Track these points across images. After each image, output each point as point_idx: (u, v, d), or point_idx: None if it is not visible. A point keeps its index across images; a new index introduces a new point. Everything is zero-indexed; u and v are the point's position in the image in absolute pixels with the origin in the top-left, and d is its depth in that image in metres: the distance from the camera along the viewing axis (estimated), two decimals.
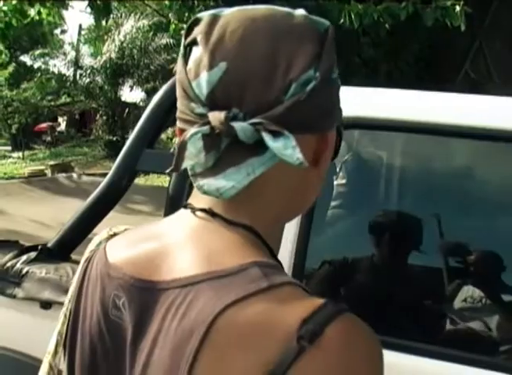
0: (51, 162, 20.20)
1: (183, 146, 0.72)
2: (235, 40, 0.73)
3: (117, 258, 0.81)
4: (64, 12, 8.91)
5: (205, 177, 0.73)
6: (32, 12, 7.90)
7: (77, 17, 38.62)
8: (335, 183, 2.71)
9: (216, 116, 0.71)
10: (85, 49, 29.29)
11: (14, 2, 7.32)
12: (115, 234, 0.88)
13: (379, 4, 5.55)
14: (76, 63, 23.89)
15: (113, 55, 21.77)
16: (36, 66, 28.70)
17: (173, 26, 7.26)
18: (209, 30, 0.75)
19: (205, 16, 0.77)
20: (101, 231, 0.92)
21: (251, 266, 0.70)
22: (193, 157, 0.72)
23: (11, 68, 24.92)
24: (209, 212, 0.76)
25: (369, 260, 2.07)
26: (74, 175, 17.19)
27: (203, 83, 0.73)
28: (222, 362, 0.67)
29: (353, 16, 5.22)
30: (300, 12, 0.77)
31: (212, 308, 0.68)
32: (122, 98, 24.10)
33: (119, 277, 0.78)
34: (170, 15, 7.99)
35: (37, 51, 25.81)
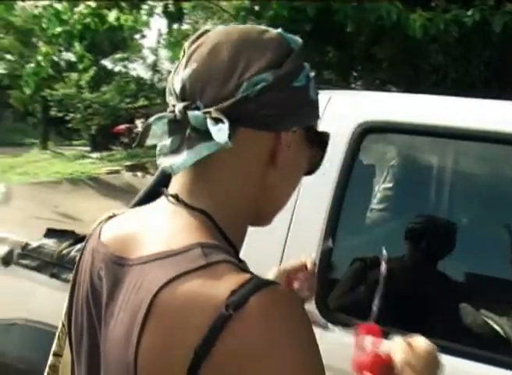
0: (127, 163, 20.81)
1: (147, 127, 0.88)
2: (209, 47, 0.88)
3: (106, 236, 0.95)
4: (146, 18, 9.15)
5: (166, 156, 0.86)
6: (111, 17, 8.18)
7: (157, 22, 39.56)
8: (382, 186, 2.76)
9: (179, 106, 0.86)
10: (164, 53, 30.05)
11: (93, 6, 7.61)
12: (114, 216, 1.01)
13: (447, 11, 5.52)
14: (155, 67, 24.53)
15: None
16: (116, 69, 29.70)
17: None
18: (195, 40, 0.91)
19: (200, 31, 0.92)
20: None
21: (195, 247, 0.82)
22: (157, 137, 0.87)
23: (92, 71, 25.80)
24: (175, 198, 0.89)
25: (400, 262, 2.11)
26: (148, 176, 17.64)
27: (178, 80, 0.88)
28: (163, 330, 0.78)
29: (416, 28, 5.21)
30: (277, 30, 0.90)
31: (157, 282, 0.79)
32: None
33: (104, 253, 0.92)
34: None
35: (117, 56, 26.69)
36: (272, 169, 0.90)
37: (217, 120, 0.82)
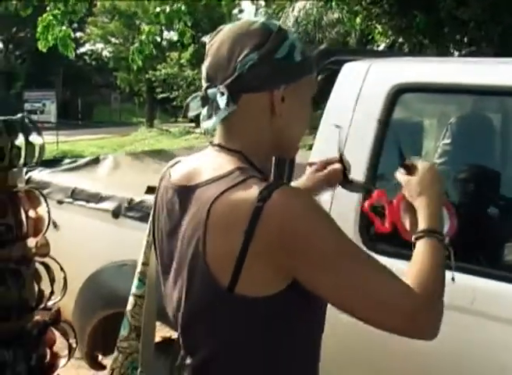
0: None
1: (187, 104, 1.33)
2: (216, 43, 1.29)
3: (174, 175, 1.37)
4: None
5: (203, 122, 1.30)
6: None
7: None
8: (441, 142, 3.02)
9: (204, 87, 1.30)
10: None
11: None
12: (178, 162, 1.44)
13: None
14: None
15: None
16: None
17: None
18: (211, 39, 1.32)
19: (216, 29, 1.34)
20: None
21: (234, 171, 1.23)
22: (195, 110, 1.31)
23: (191, 49, 26.59)
24: (217, 145, 1.32)
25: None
26: None
27: (203, 69, 1.32)
28: (219, 227, 1.19)
29: None
30: (261, 20, 1.30)
31: (211, 197, 1.20)
32: None
33: (173, 186, 1.34)
34: None
35: None
36: (275, 118, 1.28)
37: (222, 93, 1.24)
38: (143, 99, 38.70)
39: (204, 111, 1.30)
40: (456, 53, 8.80)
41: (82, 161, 3.75)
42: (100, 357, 3.09)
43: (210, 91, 1.27)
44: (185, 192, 1.29)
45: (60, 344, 2.10)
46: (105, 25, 33.24)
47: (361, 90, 2.10)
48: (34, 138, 2.02)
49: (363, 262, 1.19)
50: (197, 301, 1.25)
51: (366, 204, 1.53)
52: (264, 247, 1.15)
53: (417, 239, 1.31)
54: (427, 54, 8.23)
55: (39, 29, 6.84)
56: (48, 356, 2.03)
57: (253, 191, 1.15)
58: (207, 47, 1.32)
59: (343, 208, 2.02)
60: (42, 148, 2.06)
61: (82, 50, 45.68)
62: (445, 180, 1.42)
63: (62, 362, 2.06)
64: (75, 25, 42.99)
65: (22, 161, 1.99)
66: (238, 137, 1.29)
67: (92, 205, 2.90)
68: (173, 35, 31.69)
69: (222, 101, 1.24)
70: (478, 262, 2.05)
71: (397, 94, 2.05)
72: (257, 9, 33.64)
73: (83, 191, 2.98)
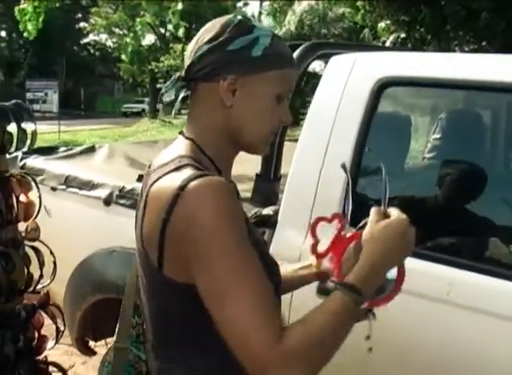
0: None
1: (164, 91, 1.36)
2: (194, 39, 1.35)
3: (152, 164, 1.41)
4: None
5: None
6: None
7: None
8: (431, 137, 3.06)
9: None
10: (266, 21, 30.29)
11: None
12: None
13: None
14: None
15: (292, 27, 22.35)
16: None
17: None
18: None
19: None
20: None
21: (176, 158, 1.27)
22: (170, 96, 1.35)
23: None
24: (180, 133, 1.37)
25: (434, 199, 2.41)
26: None
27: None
28: (150, 210, 1.23)
29: None
30: (231, 15, 1.34)
31: (151, 181, 1.25)
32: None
33: (146, 173, 1.38)
34: None
35: None
36: (227, 109, 1.31)
37: (178, 79, 1.32)
38: (146, 90, 38.74)
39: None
40: (457, 50, 8.80)
41: (77, 149, 3.79)
42: (90, 343, 3.14)
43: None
44: (145, 179, 1.36)
45: (49, 327, 2.15)
46: (109, 15, 33.20)
47: (347, 83, 2.14)
48: (27, 125, 2.07)
49: (242, 283, 1.11)
50: (143, 280, 1.32)
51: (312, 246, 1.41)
52: (175, 233, 1.17)
53: (336, 288, 1.16)
54: (429, 50, 8.22)
55: (21, 20, 6.82)
56: (36, 338, 2.07)
57: (179, 179, 1.18)
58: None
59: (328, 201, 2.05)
60: (34, 134, 2.10)
61: (86, 40, 45.73)
62: (412, 244, 1.24)
63: (49, 344, 2.11)
64: (79, 15, 43.14)
65: (14, 147, 2.03)
66: (193, 125, 1.34)
67: (84, 192, 2.95)
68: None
69: (176, 86, 1.31)
70: (460, 254, 2.09)
71: (382, 87, 2.08)
72: (261, 2, 33.61)
73: (76, 179, 3.02)
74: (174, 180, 1.19)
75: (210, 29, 1.31)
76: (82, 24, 43.16)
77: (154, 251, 1.21)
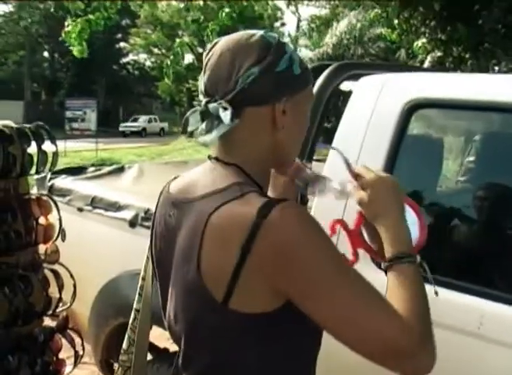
0: None
1: (186, 119, 1.30)
2: (216, 57, 1.27)
3: (173, 189, 1.36)
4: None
5: (202, 136, 1.28)
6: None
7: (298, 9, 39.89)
8: (465, 160, 2.97)
9: (204, 101, 1.28)
10: (303, 42, 30.36)
11: None
12: (177, 177, 1.42)
13: None
14: None
15: (329, 48, 22.36)
16: None
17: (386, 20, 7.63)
18: (208, 53, 1.30)
19: (211, 43, 1.32)
20: None
21: (233, 185, 1.20)
22: (194, 125, 1.28)
23: None
24: (215, 159, 1.30)
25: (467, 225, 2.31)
26: None
27: (201, 83, 1.30)
28: (215, 240, 1.16)
29: None
30: (260, 32, 1.27)
31: (209, 209, 1.18)
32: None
33: (172, 199, 1.33)
34: (389, 9, 8.30)
35: None
36: (277, 131, 1.27)
37: (225, 108, 1.23)
38: (184, 109, 39.10)
39: (203, 125, 1.28)
40: (497, 69, 8.65)
41: (106, 169, 3.78)
42: (115, 365, 3.10)
43: (211, 105, 1.25)
44: (182, 206, 1.28)
45: (68, 351, 2.11)
46: (148, 36, 33.71)
47: (376, 105, 2.06)
48: (48, 146, 2.05)
49: (360, 294, 1.13)
50: (192, 314, 1.24)
51: None
52: (259, 264, 1.13)
53: (387, 269, 1.22)
54: (467, 69, 8.08)
55: (72, 35, 6.90)
56: (54, 362, 2.04)
57: (252, 206, 1.13)
58: (204, 60, 1.31)
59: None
60: (55, 156, 2.08)
61: (125, 60, 46.46)
62: (399, 186, 1.28)
63: (67, 368, 2.08)
64: (119, 35, 43.92)
65: (34, 168, 2.01)
66: (237, 150, 1.28)
67: (110, 213, 2.92)
68: None
69: (225, 116, 1.22)
70: (493, 285, 1.99)
71: (413, 109, 2.00)
72: (299, 23, 33.75)
73: (102, 200, 3.00)
74: (246, 208, 1.13)
75: (245, 50, 1.24)
76: (122, 44, 43.93)
77: (221, 283, 1.15)
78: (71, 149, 19.99)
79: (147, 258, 1.55)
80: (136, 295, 1.61)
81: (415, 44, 8.90)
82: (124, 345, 1.62)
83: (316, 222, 1.17)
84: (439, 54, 8.26)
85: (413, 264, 1.21)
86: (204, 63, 1.31)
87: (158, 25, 31.80)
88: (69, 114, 20.93)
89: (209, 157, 1.33)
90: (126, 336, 1.61)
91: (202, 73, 1.30)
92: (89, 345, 3.00)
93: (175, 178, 1.41)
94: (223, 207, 1.16)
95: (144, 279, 1.59)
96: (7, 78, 44.72)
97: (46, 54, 44.71)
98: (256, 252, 1.12)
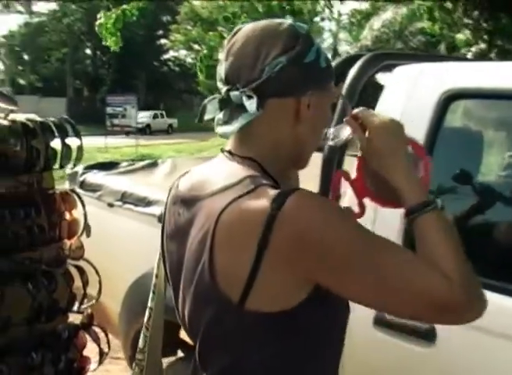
0: None
1: (204, 106, 1.23)
2: (239, 44, 1.20)
3: (183, 185, 1.29)
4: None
5: (220, 126, 1.21)
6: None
7: (337, 4, 39.69)
8: (507, 154, 2.84)
9: (224, 89, 1.21)
10: (343, 36, 30.17)
11: None
12: (187, 172, 1.36)
13: None
14: (335, 49, 24.69)
15: (369, 42, 22.12)
16: None
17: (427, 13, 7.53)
18: (230, 38, 1.24)
19: (235, 29, 1.25)
20: None
21: (245, 178, 1.14)
22: (211, 113, 1.22)
23: None
24: (229, 152, 1.23)
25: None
26: None
27: (222, 70, 1.22)
28: (228, 237, 1.10)
29: None
30: (289, 21, 1.21)
31: (221, 206, 1.11)
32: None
33: (182, 196, 1.27)
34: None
35: None
36: (298, 125, 1.20)
37: (249, 97, 1.16)
38: None
39: (221, 115, 1.22)
40: None
41: (139, 164, 3.76)
42: None
43: (233, 93, 1.18)
44: (192, 202, 1.22)
45: (93, 349, 2.08)
46: (188, 32, 33.86)
47: (411, 95, 1.97)
48: (72, 140, 2.00)
49: (391, 255, 1.09)
50: (206, 317, 1.18)
51: (331, 196, 1.36)
52: (280, 257, 1.07)
53: (411, 221, 1.16)
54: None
55: (107, 26, 6.87)
56: (78, 360, 2.00)
57: (265, 199, 1.07)
58: (226, 46, 1.25)
59: (386, 224, 1.89)
60: (80, 150, 2.03)
61: (166, 56, 46.81)
62: (403, 128, 1.21)
63: (92, 366, 2.04)
64: (159, 32, 44.24)
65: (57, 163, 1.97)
66: (254, 143, 1.21)
67: (140, 208, 2.89)
68: None
69: (250, 104, 1.15)
70: None
71: (449, 100, 1.91)
72: (339, 17, 33.43)
73: (132, 195, 2.97)
74: (259, 202, 1.08)
75: (273, 37, 1.18)
76: (162, 41, 44.22)
77: (236, 284, 1.10)
78: (112, 145, 20.22)
79: (160, 255, 1.49)
80: (151, 293, 1.55)
81: (457, 36, 8.70)
82: (140, 344, 1.57)
83: (334, 204, 1.13)
84: (482, 46, 8.06)
85: (436, 210, 1.14)
86: (225, 49, 1.24)
87: (197, 21, 31.90)
88: (109, 110, 21.12)
89: (222, 150, 1.26)
90: (142, 334, 1.56)
91: (223, 59, 1.23)
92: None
93: (185, 173, 1.35)
94: (234, 203, 1.10)
95: (157, 276, 1.54)
96: (50, 75, 45.56)
97: (88, 51, 45.34)
98: (275, 245, 1.06)
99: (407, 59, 2.32)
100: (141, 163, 3.83)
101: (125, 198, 2.99)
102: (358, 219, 1.18)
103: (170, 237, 1.30)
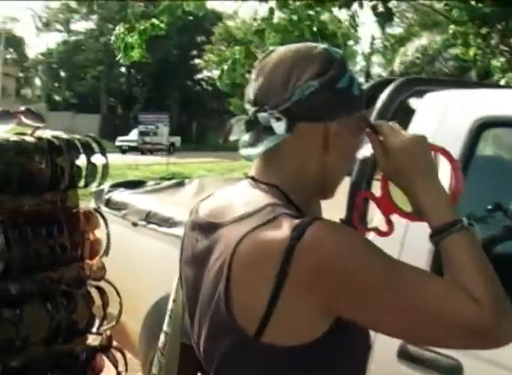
0: None
1: (230, 126, 1.18)
2: (271, 65, 1.16)
3: (203, 211, 1.25)
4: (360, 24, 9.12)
5: (245, 148, 1.16)
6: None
7: (371, 28, 39.76)
8: None
9: (252, 110, 1.16)
10: (376, 59, 30.13)
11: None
12: (209, 196, 1.32)
13: None
14: (367, 73, 24.67)
15: (402, 67, 22.07)
16: None
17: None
18: (262, 60, 1.20)
19: (268, 50, 1.21)
20: None
21: (266, 207, 1.09)
22: (237, 134, 1.17)
23: None
24: (251, 178, 1.19)
25: None
26: None
27: (251, 91, 1.18)
28: (245, 268, 1.06)
29: None
30: (323, 45, 1.17)
31: (238, 235, 1.07)
32: None
33: (200, 222, 1.22)
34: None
35: None
36: (328, 154, 1.15)
37: (278, 119, 1.12)
38: None
39: (246, 136, 1.17)
40: None
41: (165, 183, 3.74)
42: None
43: (261, 115, 1.14)
44: (211, 229, 1.18)
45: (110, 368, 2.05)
46: (222, 52, 34.17)
47: (442, 123, 1.92)
48: (97, 159, 1.99)
49: (418, 282, 1.03)
50: (223, 347, 1.13)
51: (354, 217, 1.29)
52: (300, 288, 1.02)
53: (437, 242, 1.09)
54: None
55: (130, 38, 6.81)
56: None
57: (284, 230, 1.02)
58: (256, 67, 1.21)
59: (416, 244, 1.84)
60: (106, 168, 2.02)
61: (199, 76, 47.25)
62: (426, 141, 1.15)
63: None
64: (194, 52, 44.72)
65: (83, 181, 1.96)
66: (279, 169, 1.17)
67: (164, 229, 2.86)
68: None
69: (278, 126, 1.11)
70: None
71: (482, 128, 1.85)
72: (373, 40, 33.46)
73: (156, 215, 2.95)
74: (278, 232, 1.03)
75: (306, 61, 1.14)
76: (196, 61, 44.67)
77: (253, 317, 1.05)
78: (142, 163, 20.35)
79: (178, 280, 1.46)
80: (166, 318, 1.51)
81: (492, 62, 8.60)
82: (154, 370, 1.52)
83: (355, 232, 1.08)
84: None
85: (463, 229, 1.08)
86: (256, 70, 1.20)
87: (231, 41, 32.18)
88: (141, 128, 21.27)
89: (246, 176, 1.22)
90: (156, 359, 1.52)
91: (253, 79, 1.19)
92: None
93: (206, 198, 1.31)
94: (252, 233, 1.05)
95: (174, 301, 1.50)
96: (85, 92, 46.27)
97: (123, 69, 45.95)
98: (294, 277, 1.01)
99: (439, 85, 2.27)
100: (168, 183, 3.81)
101: (149, 217, 2.96)
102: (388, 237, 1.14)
103: (187, 264, 1.26)
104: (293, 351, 1.06)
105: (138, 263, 2.88)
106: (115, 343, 2.04)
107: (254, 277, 1.05)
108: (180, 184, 3.79)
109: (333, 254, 1.01)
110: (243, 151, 1.16)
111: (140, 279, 2.86)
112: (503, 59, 7.76)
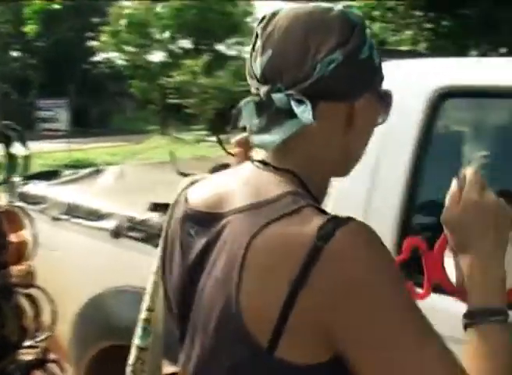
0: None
1: (238, 110, 0.99)
2: (280, 32, 0.97)
3: (194, 199, 1.06)
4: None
5: (257, 134, 0.98)
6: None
7: (267, 6, 39.89)
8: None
9: (263, 89, 0.97)
10: None
11: None
12: (195, 182, 1.12)
13: None
14: None
15: None
16: (230, 54, 30.30)
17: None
18: (265, 26, 0.99)
19: (267, 14, 1.01)
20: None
21: (286, 195, 0.92)
22: (247, 119, 0.98)
23: (206, 57, 26.46)
24: (262, 162, 1.01)
25: None
26: None
27: (257, 65, 0.99)
28: (260, 269, 0.88)
29: None
30: (339, 7, 0.98)
31: (253, 228, 0.89)
32: None
33: (193, 213, 1.03)
34: None
35: (231, 40, 27.09)
36: (350, 132, 0.99)
37: (299, 101, 0.93)
38: (157, 107, 38.73)
39: (256, 121, 0.98)
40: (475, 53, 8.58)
41: (82, 172, 3.47)
42: None
43: (277, 95, 0.95)
44: (208, 223, 0.99)
45: None
46: (118, 34, 33.33)
47: (398, 95, 1.80)
48: (18, 149, 1.75)
49: (436, 356, 0.86)
50: (228, 362, 0.95)
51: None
52: (315, 301, 0.85)
53: (467, 325, 0.94)
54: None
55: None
56: None
57: (310, 225, 0.86)
58: (260, 36, 1.00)
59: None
60: (28, 159, 1.78)
61: (97, 58, 45.90)
62: (506, 211, 0.98)
63: None
64: (89, 33, 43.30)
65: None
66: (295, 153, 0.99)
67: (90, 223, 2.62)
68: (187, 44, 31.64)
69: (303, 112, 0.93)
70: None
71: (441, 99, 1.75)
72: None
73: (79, 207, 2.70)
74: (303, 228, 0.87)
75: (323, 27, 0.95)
76: (93, 42, 43.38)
77: (266, 326, 0.87)
78: (43, 150, 19.52)
79: (154, 283, 1.25)
80: (138, 329, 1.31)
81: (392, 38, 8.74)
82: None
83: (386, 249, 0.89)
84: (424, 45, 8.10)
85: (502, 323, 0.92)
86: (261, 39, 0.99)
87: (127, 23, 31.48)
88: (40, 114, 20.46)
89: (251, 160, 1.04)
90: None
91: (258, 50, 0.99)
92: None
93: (191, 184, 1.12)
94: (271, 226, 0.88)
95: (150, 310, 1.29)
96: None
97: (15, 54, 43.93)
98: (313, 287, 0.85)
99: (391, 56, 2.15)
100: (84, 171, 3.52)
101: (71, 210, 2.71)
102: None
103: (175, 263, 1.06)
104: (307, 369, 0.89)
105: (62, 262, 2.63)
106: (52, 355, 1.82)
107: (270, 280, 0.87)
108: (98, 172, 3.53)
109: (359, 275, 0.85)
110: (255, 138, 0.99)
111: (67, 279, 2.62)
112: (411, 32, 7.88)
